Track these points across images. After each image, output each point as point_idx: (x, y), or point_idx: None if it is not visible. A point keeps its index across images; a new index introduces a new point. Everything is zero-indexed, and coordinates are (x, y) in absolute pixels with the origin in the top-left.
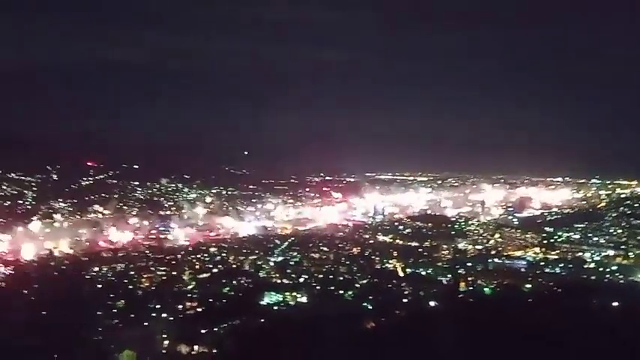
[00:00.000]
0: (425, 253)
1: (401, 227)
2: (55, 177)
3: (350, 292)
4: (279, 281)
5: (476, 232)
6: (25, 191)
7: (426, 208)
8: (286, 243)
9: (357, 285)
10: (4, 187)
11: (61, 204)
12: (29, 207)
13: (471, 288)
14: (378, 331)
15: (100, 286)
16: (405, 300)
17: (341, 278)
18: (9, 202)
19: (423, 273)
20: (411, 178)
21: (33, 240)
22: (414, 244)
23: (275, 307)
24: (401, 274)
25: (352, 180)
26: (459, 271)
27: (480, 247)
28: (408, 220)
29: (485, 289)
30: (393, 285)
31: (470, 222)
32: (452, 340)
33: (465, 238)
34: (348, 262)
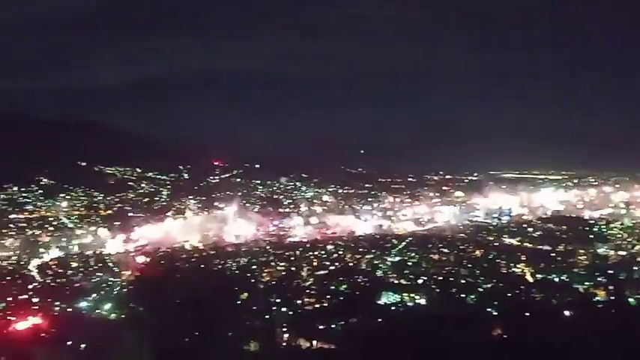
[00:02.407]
0: (558, 258)
1: (530, 229)
2: (186, 176)
3: (472, 296)
4: (396, 281)
5: (619, 236)
6: (161, 189)
7: (560, 209)
8: (404, 243)
9: (480, 289)
10: (144, 185)
11: (191, 201)
12: (164, 203)
13: (613, 298)
14: (504, 339)
15: (225, 278)
16: (535, 307)
17: (462, 281)
18: (148, 199)
19: (556, 279)
20: (542, 176)
21: (167, 233)
22: (545, 247)
23: (392, 308)
24: (530, 279)
25: (475, 179)
26: (599, 279)
27: (623, 252)
28: (539, 221)
29: (630, 300)
30: (521, 291)
31: (612, 225)
32: (589, 354)
33: (606, 242)
34: (470, 265)
